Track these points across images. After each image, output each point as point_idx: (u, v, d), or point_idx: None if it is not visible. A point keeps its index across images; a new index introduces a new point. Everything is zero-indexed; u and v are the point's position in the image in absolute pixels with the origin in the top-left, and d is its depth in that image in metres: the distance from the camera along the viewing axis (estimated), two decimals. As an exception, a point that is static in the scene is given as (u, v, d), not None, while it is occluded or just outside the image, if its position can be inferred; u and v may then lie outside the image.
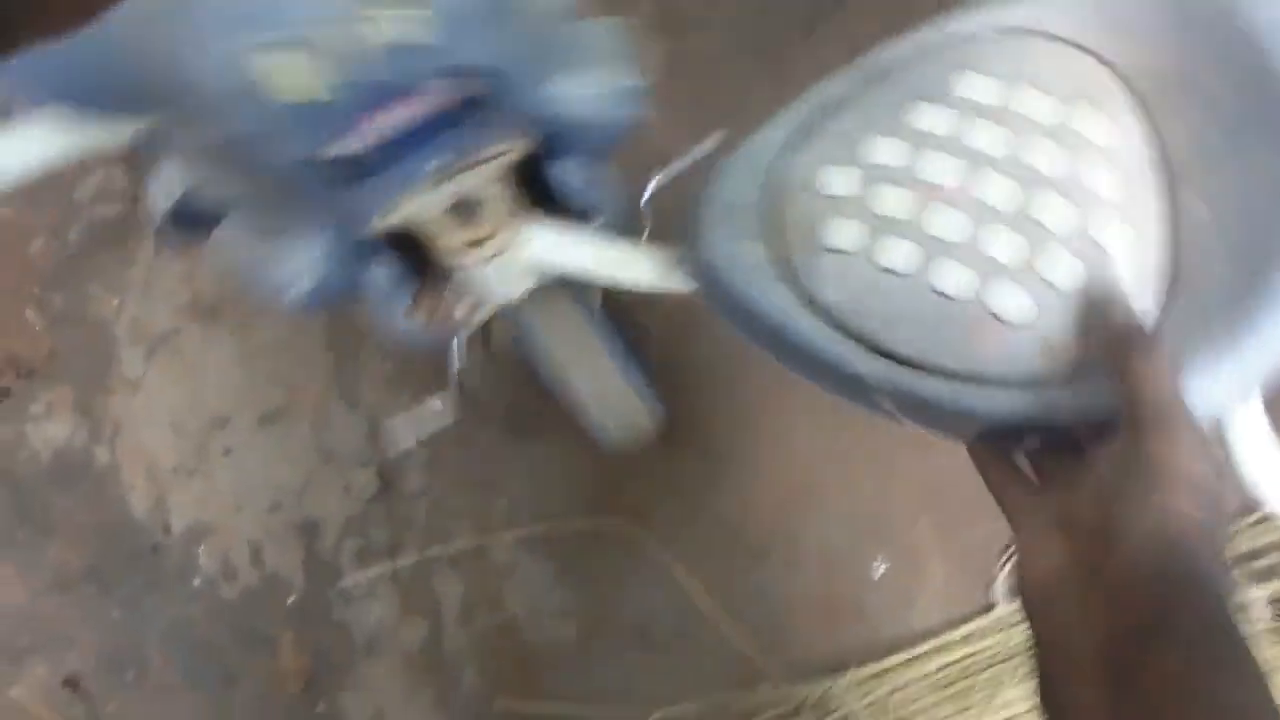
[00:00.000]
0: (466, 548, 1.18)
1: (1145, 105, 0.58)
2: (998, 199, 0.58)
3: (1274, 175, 0.55)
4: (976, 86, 0.61)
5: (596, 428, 1.03)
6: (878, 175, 0.60)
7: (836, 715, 1.07)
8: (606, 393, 1.00)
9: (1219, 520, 0.45)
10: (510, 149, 0.66)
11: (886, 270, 0.59)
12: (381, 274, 0.72)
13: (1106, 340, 0.52)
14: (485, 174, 0.66)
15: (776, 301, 0.61)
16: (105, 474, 1.28)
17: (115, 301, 1.31)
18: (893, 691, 1.07)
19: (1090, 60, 0.60)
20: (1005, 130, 0.59)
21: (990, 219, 0.58)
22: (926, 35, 0.64)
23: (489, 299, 0.77)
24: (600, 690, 1.14)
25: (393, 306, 0.74)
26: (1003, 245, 0.57)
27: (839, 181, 0.62)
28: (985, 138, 0.59)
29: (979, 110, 0.60)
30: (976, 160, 0.59)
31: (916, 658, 1.06)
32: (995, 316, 0.56)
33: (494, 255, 0.70)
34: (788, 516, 1.15)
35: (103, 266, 1.32)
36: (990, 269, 0.57)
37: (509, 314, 0.86)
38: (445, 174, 0.65)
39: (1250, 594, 1.03)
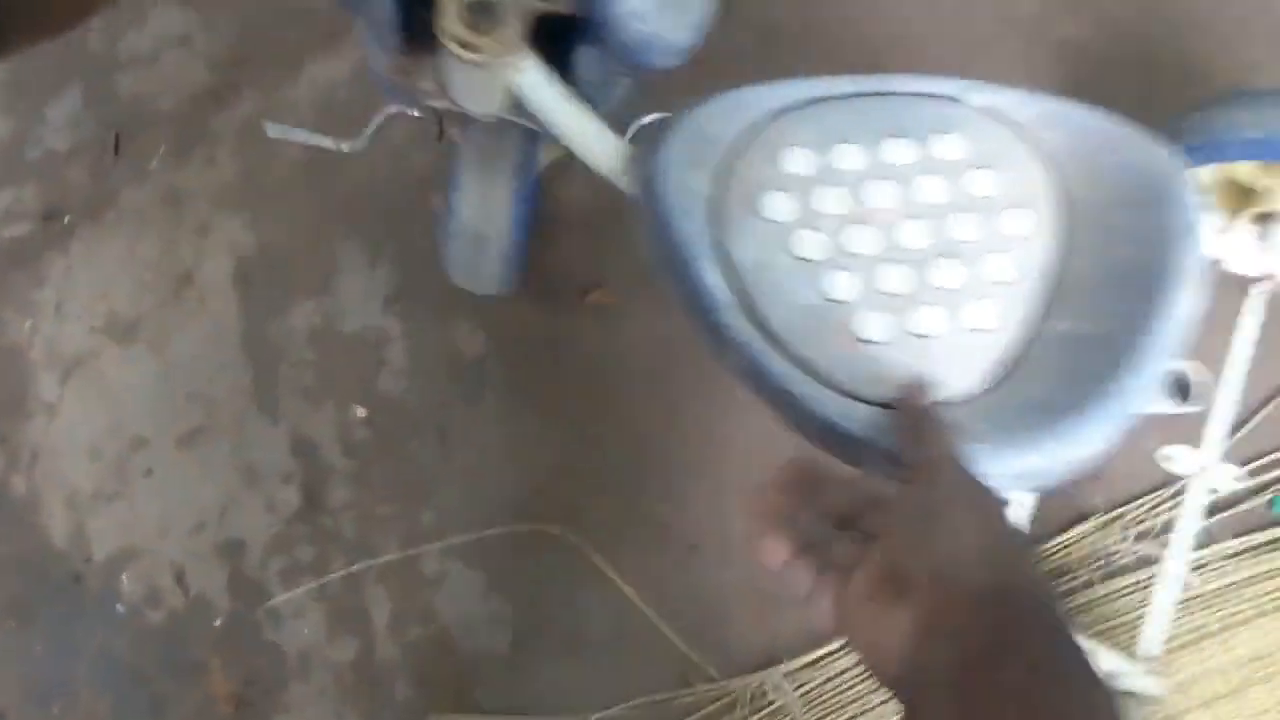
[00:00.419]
0: (395, 560, 1.16)
1: (1069, 222, 0.67)
2: (909, 242, 0.65)
3: (1134, 323, 0.61)
4: (948, 147, 0.68)
5: (451, 262, 1.01)
6: (829, 177, 0.66)
7: (772, 707, 1.06)
8: (487, 239, 0.96)
9: (1013, 549, 0.49)
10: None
11: (796, 257, 0.65)
12: (385, 6, 0.73)
13: (905, 411, 0.58)
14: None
15: (694, 236, 0.64)
16: (23, 503, 1.25)
17: (27, 324, 1.28)
18: (826, 681, 1.06)
19: (1040, 172, 0.68)
20: (950, 194, 0.67)
21: (894, 254, 0.65)
22: (932, 83, 0.70)
23: (455, 98, 0.78)
24: (536, 698, 1.12)
25: (380, 43, 0.76)
26: (891, 278, 0.64)
27: (798, 165, 0.67)
28: (930, 192, 0.66)
29: (937, 167, 0.67)
30: (912, 205, 0.66)
31: (848, 647, 1.05)
32: (857, 332, 0.63)
33: (477, 64, 0.71)
34: (718, 511, 1.13)
35: (13, 288, 1.29)
36: (872, 292, 0.64)
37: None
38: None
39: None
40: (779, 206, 0.66)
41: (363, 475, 1.18)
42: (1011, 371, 0.64)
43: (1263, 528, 1.09)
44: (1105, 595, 1.08)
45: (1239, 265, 1.02)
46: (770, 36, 1.21)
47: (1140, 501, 1.10)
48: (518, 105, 0.77)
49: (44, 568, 1.23)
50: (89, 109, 1.31)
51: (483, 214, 0.94)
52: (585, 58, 0.78)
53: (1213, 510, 1.07)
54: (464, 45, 0.70)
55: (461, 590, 1.15)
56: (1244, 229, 1.00)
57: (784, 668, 1.06)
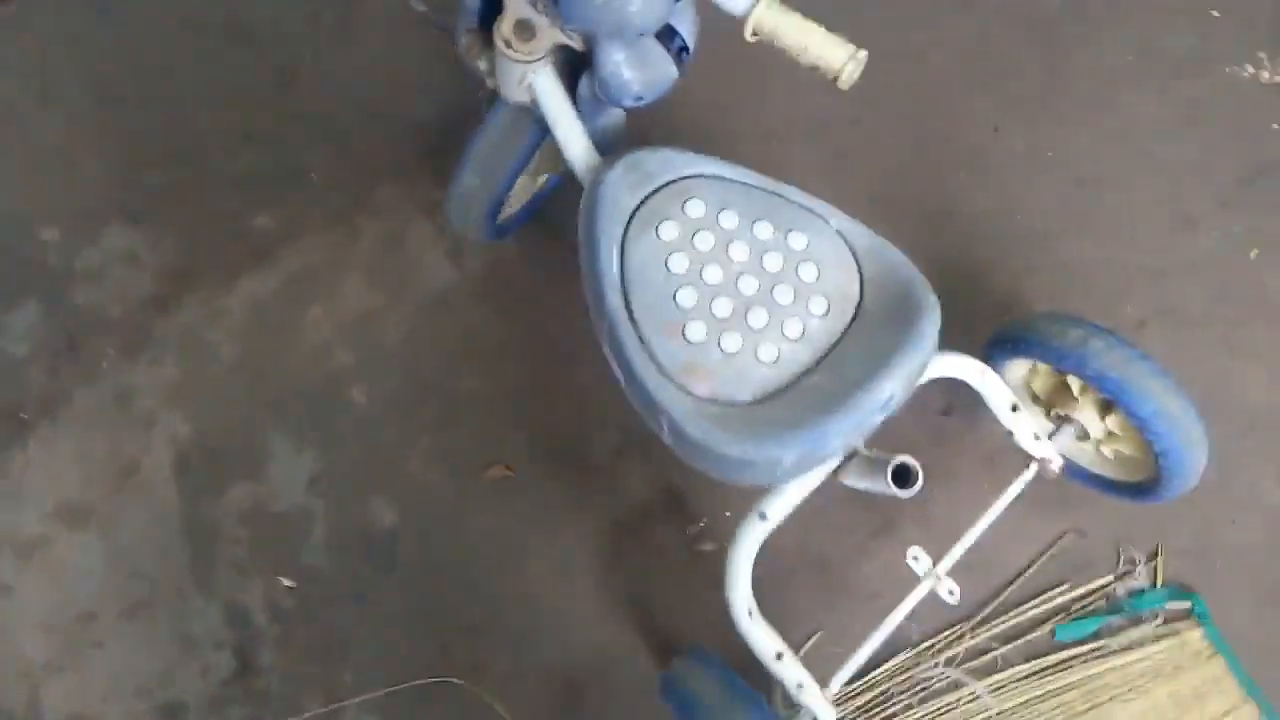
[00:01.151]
0: (319, 715, 1.32)
1: (854, 318, 1.00)
2: (743, 289, 0.98)
3: (860, 387, 0.92)
4: (796, 241, 1.00)
5: (452, 211, 1.28)
6: (710, 227, 0.99)
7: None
8: (481, 196, 1.23)
9: None
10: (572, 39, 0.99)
11: (667, 269, 0.98)
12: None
13: None
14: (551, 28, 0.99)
15: (610, 232, 0.97)
16: (-20, 675, 1.38)
17: (-13, 512, 1.43)
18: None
19: (851, 282, 1.01)
20: (783, 269, 0.99)
21: (729, 291, 0.98)
22: (810, 200, 1.02)
23: (497, 81, 1.08)
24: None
25: (462, 25, 1.06)
26: (721, 306, 0.97)
27: (694, 211, 0.99)
28: (771, 263, 0.99)
29: (784, 250, 1.00)
30: (755, 267, 0.99)
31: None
32: (685, 333, 0.96)
33: (512, 60, 1.00)
34: (605, 655, 1.32)
35: (-27, 480, 1.45)
36: (705, 311, 0.96)
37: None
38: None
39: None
40: (669, 232, 0.98)
41: (289, 639, 1.35)
42: (771, 397, 0.95)
43: (1049, 652, 1.31)
44: (923, 718, 1.29)
45: (1027, 444, 1.22)
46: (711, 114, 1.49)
47: (948, 631, 1.31)
48: (534, 100, 1.05)
49: (-1, 735, 1.36)
50: (46, 318, 1.49)
51: (485, 175, 1.21)
52: (584, 84, 1.05)
53: (1006, 639, 1.29)
54: (507, 44, 0.99)
55: (379, 740, 1.32)
56: (1041, 420, 1.23)
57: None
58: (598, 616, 1.35)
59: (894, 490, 0.98)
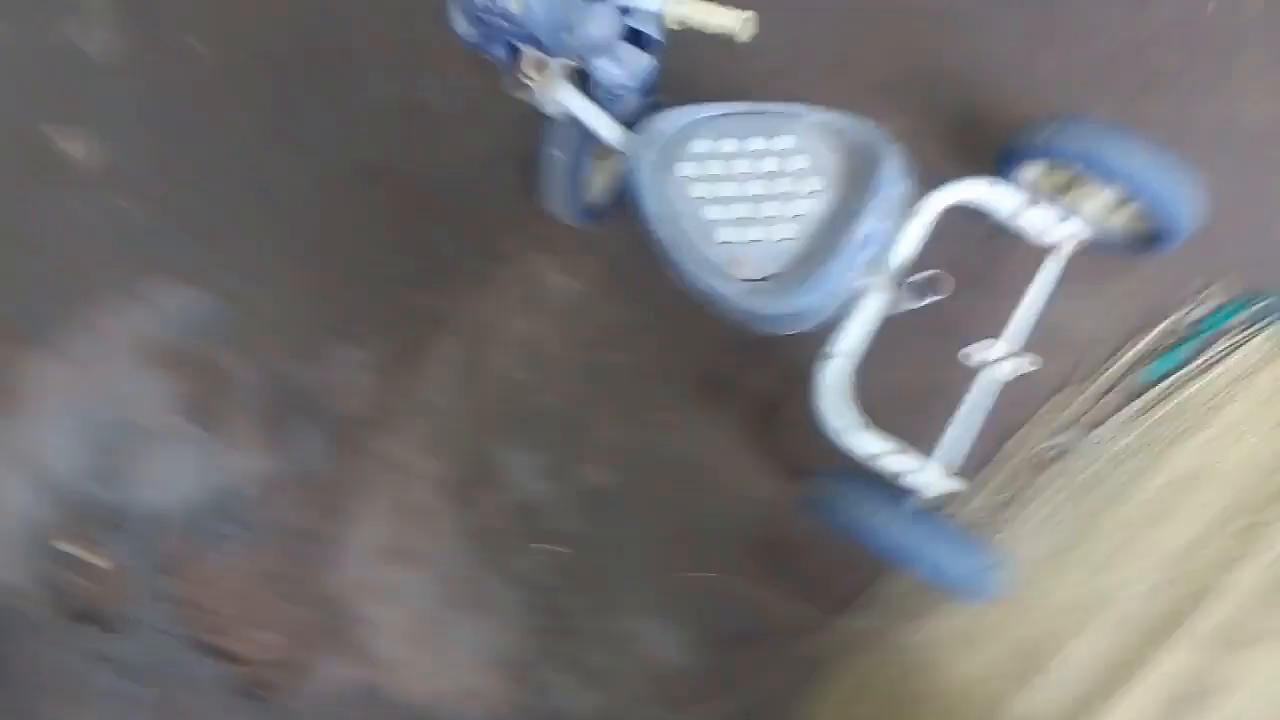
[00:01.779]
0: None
1: (844, 184, 1.32)
2: (752, 191, 1.33)
3: (850, 235, 1.25)
4: (784, 142, 1.34)
5: (547, 199, 1.66)
6: (715, 155, 1.35)
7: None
8: (561, 177, 1.59)
9: None
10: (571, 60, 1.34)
11: (691, 197, 1.35)
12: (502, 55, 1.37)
13: None
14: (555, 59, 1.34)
15: (646, 183, 1.35)
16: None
17: None
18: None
19: (832, 157, 1.33)
20: (780, 166, 1.33)
21: (743, 197, 1.33)
22: (784, 107, 1.36)
23: (538, 99, 1.40)
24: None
25: (504, 72, 1.38)
26: (739, 210, 1.33)
27: (700, 149, 1.35)
28: (768, 164, 1.34)
29: (777, 152, 1.34)
30: (758, 172, 1.34)
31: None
32: (718, 239, 1.33)
33: (536, 85, 1.36)
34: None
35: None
36: (729, 218, 1.33)
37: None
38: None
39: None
40: (684, 170, 1.35)
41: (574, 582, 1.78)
42: (792, 263, 1.31)
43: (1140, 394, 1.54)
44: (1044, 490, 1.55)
45: (1044, 235, 1.45)
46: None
47: (1045, 408, 1.57)
48: (563, 107, 1.41)
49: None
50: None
51: (559, 157, 1.55)
52: (593, 88, 1.40)
53: (1098, 397, 1.54)
54: (529, 78, 1.34)
55: None
56: (1057, 209, 1.46)
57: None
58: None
59: (931, 296, 1.31)
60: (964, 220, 1.45)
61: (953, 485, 1.39)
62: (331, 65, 2.08)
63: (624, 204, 1.80)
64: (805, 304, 1.28)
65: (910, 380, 1.62)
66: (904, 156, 1.30)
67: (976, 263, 1.62)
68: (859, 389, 1.42)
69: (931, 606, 1.57)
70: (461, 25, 1.30)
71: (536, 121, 1.54)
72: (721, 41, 1.27)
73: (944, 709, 1.53)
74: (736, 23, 1.19)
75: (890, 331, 1.44)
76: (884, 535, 1.38)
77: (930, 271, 1.33)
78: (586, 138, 1.54)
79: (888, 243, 1.34)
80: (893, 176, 1.27)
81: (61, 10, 2.22)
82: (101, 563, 2.01)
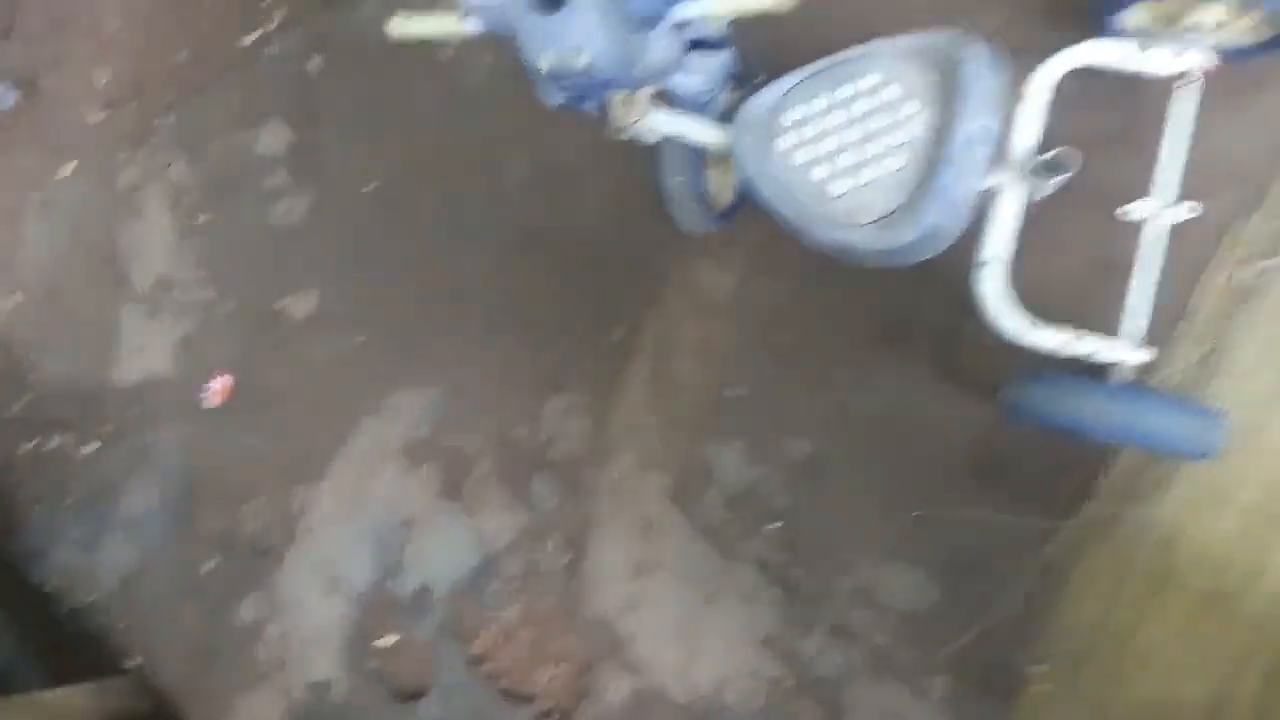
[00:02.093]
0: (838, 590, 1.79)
1: (938, 98, 1.34)
2: (851, 137, 1.37)
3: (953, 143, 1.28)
4: (869, 81, 1.37)
5: (679, 218, 1.74)
6: (808, 116, 1.40)
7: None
8: (686, 184, 1.69)
9: None
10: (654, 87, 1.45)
11: (794, 165, 1.40)
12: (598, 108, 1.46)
13: None
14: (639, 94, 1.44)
15: (754, 167, 1.41)
16: None
17: None
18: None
19: (920, 76, 1.35)
20: (872, 106, 1.36)
21: (845, 146, 1.37)
22: (855, 50, 1.39)
23: (640, 134, 1.48)
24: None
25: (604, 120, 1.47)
26: (846, 159, 1.36)
27: (791, 118, 1.39)
28: (859, 107, 1.37)
29: (865, 93, 1.37)
30: (853, 118, 1.37)
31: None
32: (831, 194, 1.37)
33: (633, 122, 1.44)
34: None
35: None
36: (836, 171, 1.37)
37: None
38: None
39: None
40: (783, 144, 1.40)
41: (798, 550, 1.85)
42: (912, 190, 1.32)
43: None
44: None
45: (1169, 68, 1.40)
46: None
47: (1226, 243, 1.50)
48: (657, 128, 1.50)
49: None
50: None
51: (678, 175, 1.67)
52: (682, 102, 1.50)
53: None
54: (621, 117, 1.43)
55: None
56: (1165, 48, 1.41)
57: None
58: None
59: (1062, 174, 1.32)
60: (1088, 84, 1.44)
61: (1143, 354, 1.37)
62: (475, 157, 2.32)
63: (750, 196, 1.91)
64: (934, 221, 1.29)
65: (1080, 261, 1.60)
66: (989, 49, 1.31)
67: (1113, 122, 1.58)
68: (1035, 285, 1.43)
69: (1166, 477, 1.51)
70: (552, 96, 1.42)
71: (651, 153, 1.69)
72: (775, 19, 1.33)
73: (1211, 571, 1.46)
74: (774, 0, 1.25)
75: (1047, 219, 1.45)
76: (1092, 418, 1.37)
77: (1053, 151, 1.33)
78: (695, 152, 1.65)
79: (997, 137, 1.33)
80: (979, 72, 1.27)
81: (257, 197, 2.62)
82: (409, 644, 2.28)
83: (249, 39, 2.66)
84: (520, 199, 2.25)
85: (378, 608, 2.31)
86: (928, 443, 1.74)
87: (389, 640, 2.30)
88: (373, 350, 2.41)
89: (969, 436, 1.71)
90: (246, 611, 2.45)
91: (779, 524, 1.87)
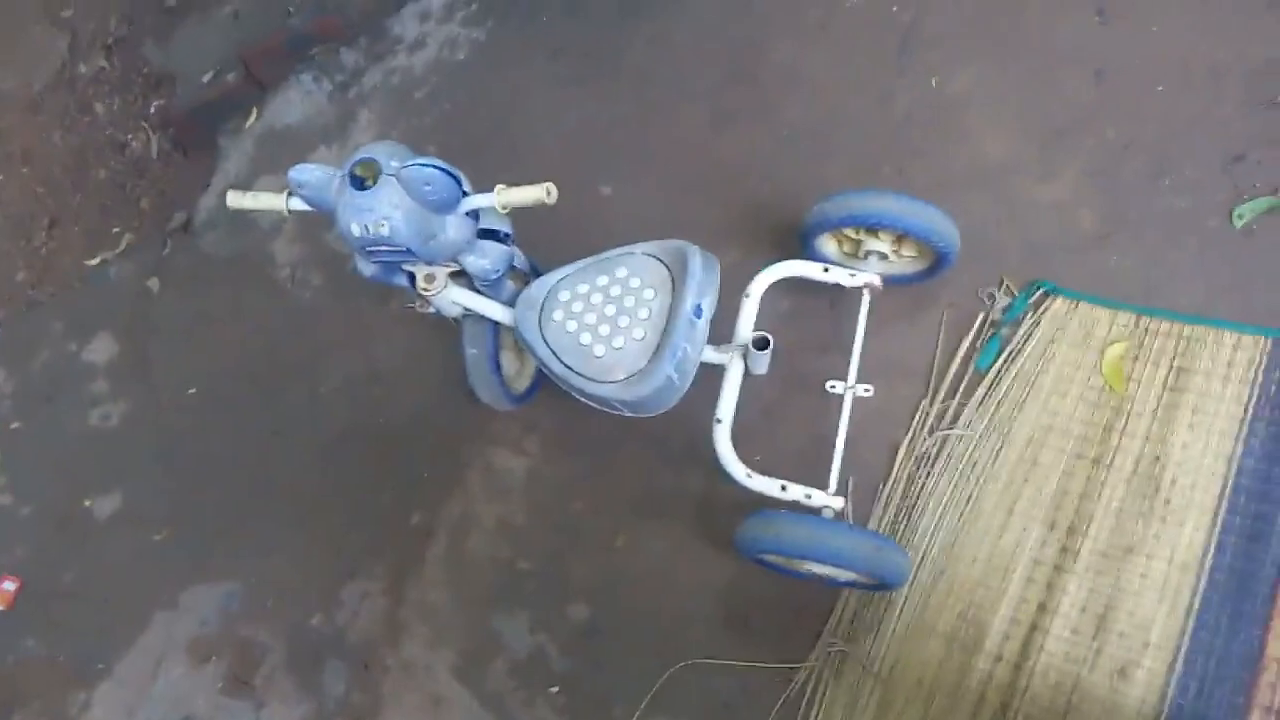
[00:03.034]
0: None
1: (672, 291, 1.70)
2: (606, 312, 1.76)
3: (677, 329, 1.63)
4: (621, 271, 1.76)
5: (478, 391, 2.03)
6: (575, 296, 1.77)
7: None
8: (484, 357, 1.96)
9: None
10: (449, 266, 1.74)
11: (565, 330, 1.77)
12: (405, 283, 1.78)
13: None
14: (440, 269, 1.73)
15: (533, 333, 1.77)
16: None
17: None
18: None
19: (661, 273, 1.75)
20: (622, 290, 1.76)
21: (601, 317, 1.75)
22: (618, 250, 1.76)
23: (441, 307, 1.79)
24: None
25: (410, 294, 1.80)
26: (602, 329, 1.75)
27: (562, 297, 1.80)
28: (613, 291, 1.74)
29: (619, 281, 1.76)
30: (608, 298, 1.76)
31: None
32: (590, 352, 1.74)
33: (429, 298, 1.75)
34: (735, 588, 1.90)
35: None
36: (594, 336, 1.74)
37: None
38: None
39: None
40: (558, 315, 1.76)
41: (579, 677, 1.95)
42: (651, 355, 1.66)
43: (980, 381, 1.86)
44: (940, 480, 1.82)
45: (849, 283, 1.84)
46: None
47: (914, 419, 1.87)
48: (460, 305, 1.78)
49: None
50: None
51: (476, 348, 1.94)
52: (476, 282, 1.77)
53: (950, 395, 1.85)
54: (423, 290, 1.72)
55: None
56: (852, 265, 1.86)
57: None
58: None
59: (762, 352, 1.68)
60: (796, 290, 1.84)
61: (838, 500, 1.69)
62: (300, 364, 2.55)
63: (545, 381, 2.20)
64: (666, 375, 1.63)
65: (804, 433, 1.95)
66: (704, 254, 1.71)
67: (836, 331, 2.00)
68: (769, 447, 1.79)
69: (881, 615, 1.78)
70: (365, 268, 1.70)
71: (454, 331, 1.97)
72: (543, 211, 1.63)
73: (926, 693, 1.70)
74: (542, 193, 1.58)
75: (782, 404, 1.84)
76: (796, 543, 1.63)
77: (756, 333, 1.70)
78: (492, 328, 1.95)
79: (710, 315, 1.70)
80: (698, 266, 1.67)
81: (75, 403, 2.72)
82: None
83: (94, 261, 2.87)
84: (338, 400, 2.46)
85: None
86: (688, 599, 1.96)
87: None
88: (175, 547, 2.46)
89: (721, 589, 1.94)
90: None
91: (556, 688, 1.99)
